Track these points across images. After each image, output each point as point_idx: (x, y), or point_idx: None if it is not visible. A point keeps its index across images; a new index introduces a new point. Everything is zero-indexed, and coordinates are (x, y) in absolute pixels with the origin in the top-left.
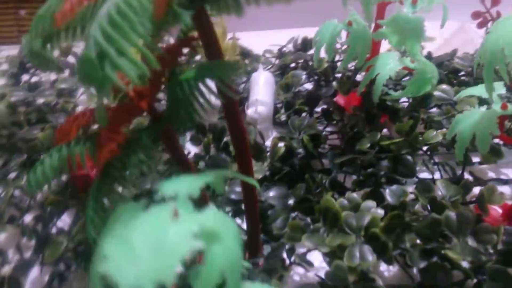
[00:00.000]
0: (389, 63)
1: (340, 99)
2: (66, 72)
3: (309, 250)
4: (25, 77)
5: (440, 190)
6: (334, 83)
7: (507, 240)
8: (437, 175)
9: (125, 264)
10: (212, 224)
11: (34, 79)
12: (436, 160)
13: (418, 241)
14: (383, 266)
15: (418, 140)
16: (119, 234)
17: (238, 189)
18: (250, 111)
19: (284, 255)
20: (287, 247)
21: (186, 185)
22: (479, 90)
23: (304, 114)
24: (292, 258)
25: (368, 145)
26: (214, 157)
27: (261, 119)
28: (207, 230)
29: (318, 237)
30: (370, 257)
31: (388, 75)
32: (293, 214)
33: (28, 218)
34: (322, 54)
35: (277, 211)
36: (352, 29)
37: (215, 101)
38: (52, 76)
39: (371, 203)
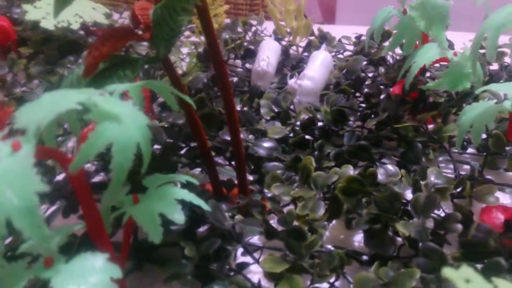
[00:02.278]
0: (428, 52)
1: (395, 88)
2: None
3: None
4: None
5: (431, 177)
6: (382, 69)
7: (475, 235)
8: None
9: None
10: (112, 108)
11: None
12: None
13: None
14: (357, 236)
15: (440, 133)
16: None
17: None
18: (290, 81)
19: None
20: (269, 195)
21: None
22: (500, 87)
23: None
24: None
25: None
26: (245, 112)
27: (303, 92)
28: (105, 110)
29: (286, 188)
30: (320, 211)
31: (423, 64)
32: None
33: None
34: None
35: (272, 166)
36: (402, 16)
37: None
38: None
39: (349, 170)
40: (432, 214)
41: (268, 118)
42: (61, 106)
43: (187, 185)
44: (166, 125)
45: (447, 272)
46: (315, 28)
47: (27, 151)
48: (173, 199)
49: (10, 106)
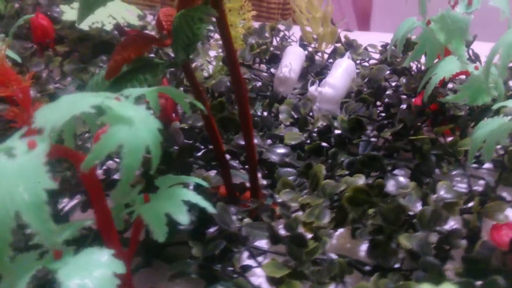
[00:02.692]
0: (448, 65)
1: (417, 100)
2: None
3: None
4: None
5: (441, 191)
6: (403, 80)
7: (479, 251)
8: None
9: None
10: (125, 112)
11: None
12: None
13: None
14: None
15: (455, 146)
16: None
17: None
18: (311, 88)
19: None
20: (279, 200)
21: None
22: None
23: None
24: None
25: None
26: (264, 117)
27: (323, 99)
28: (118, 114)
29: (294, 194)
30: (325, 219)
31: (442, 76)
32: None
33: None
34: None
35: (285, 172)
36: (425, 27)
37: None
38: None
39: (359, 179)
40: (439, 228)
41: (288, 124)
42: (76, 109)
43: (197, 187)
44: (186, 127)
45: None
46: (343, 35)
47: (41, 150)
48: (180, 200)
49: (41, 102)
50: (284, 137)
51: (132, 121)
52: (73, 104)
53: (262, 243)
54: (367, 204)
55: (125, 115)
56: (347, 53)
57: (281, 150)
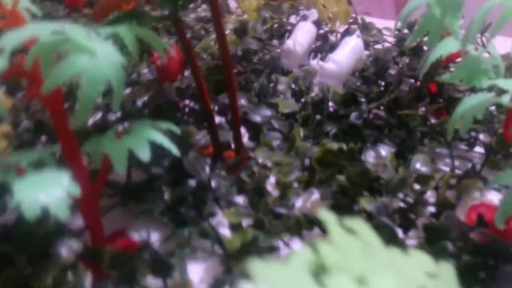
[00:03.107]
0: (448, 44)
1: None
2: None
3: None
4: None
5: (416, 164)
6: (406, 60)
7: (444, 222)
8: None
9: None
10: (88, 43)
11: None
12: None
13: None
14: None
15: (443, 125)
16: None
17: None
18: (313, 62)
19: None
20: (259, 160)
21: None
22: (507, 82)
23: None
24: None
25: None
26: (262, 85)
27: (325, 74)
28: (80, 43)
29: (268, 153)
30: (291, 177)
31: (439, 54)
32: None
33: None
34: None
35: (271, 135)
36: (428, 5)
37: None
38: None
39: (332, 145)
40: (408, 199)
41: (289, 95)
42: (38, 33)
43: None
44: (183, 86)
45: (322, 213)
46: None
47: None
48: (144, 138)
49: None
50: (279, 104)
51: (94, 52)
52: (37, 29)
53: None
54: (336, 167)
55: (87, 45)
56: (357, 32)
57: (266, 113)
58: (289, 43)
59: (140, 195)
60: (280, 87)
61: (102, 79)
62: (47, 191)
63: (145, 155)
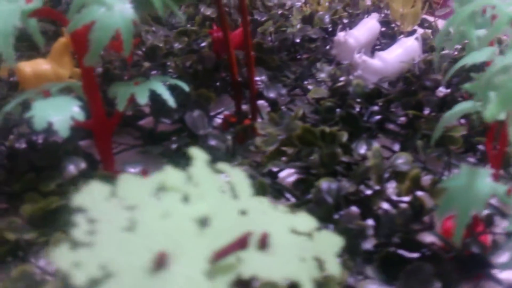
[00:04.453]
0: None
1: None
2: None
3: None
4: None
5: (397, 160)
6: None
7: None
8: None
9: None
10: None
11: None
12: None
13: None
14: None
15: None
16: None
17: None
18: (357, 56)
19: None
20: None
21: None
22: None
23: None
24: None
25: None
26: (304, 70)
27: (367, 69)
28: None
29: (269, 126)
30: (271, 147)
31: (465, 63)
32: None
33: None
34: None
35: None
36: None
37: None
38: None
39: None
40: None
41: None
42: None
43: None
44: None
45: (192, 151)
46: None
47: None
48: (147, 88)
49: None
50: (311, 90)
51: (112, 6)
52: None
53: None
54: (315, 146)
55: (106, 0)
56: (416, 34)
57: (281, 90)
58: (340, 34)
59: (158, 141)
60: (322, 75)
61: (112, 28)
62: (55, 112)
63: (142, 99)
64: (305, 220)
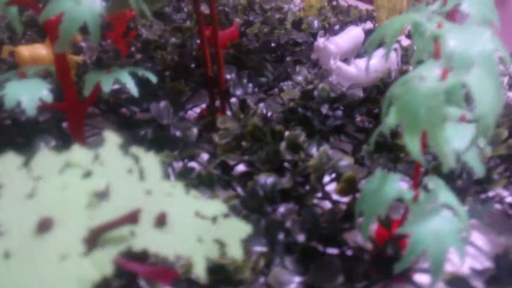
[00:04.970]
0: None
1: None
2: None
3: None
4: None
5: (341, 162)
6: None
7: (322, 213)
8: None
9: None
10: None
11: None
12: None
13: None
14: None
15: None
16: None
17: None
18: (332, 62)
19: None
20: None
21: None
22: None
23: None
24: None
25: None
26: (279, 71)
27: (341, 75)
28: None
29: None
30: (224, 140)
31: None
32: None
33: None
34: None
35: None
36: None
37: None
38: None
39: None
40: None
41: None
42: None
43: None
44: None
45: (105, 134)
46: None
47: None
48: (112, 77)
49: None
50: (284, 91)
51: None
52: None
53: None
54: (263, 142)
55: None
56: (396, 45)
57: (248, 89)
58: (320, 40)
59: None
60: (299, 78)
61: (79, 20)
62: (25, 92)
63: (105, 88)
64: (214, 206)
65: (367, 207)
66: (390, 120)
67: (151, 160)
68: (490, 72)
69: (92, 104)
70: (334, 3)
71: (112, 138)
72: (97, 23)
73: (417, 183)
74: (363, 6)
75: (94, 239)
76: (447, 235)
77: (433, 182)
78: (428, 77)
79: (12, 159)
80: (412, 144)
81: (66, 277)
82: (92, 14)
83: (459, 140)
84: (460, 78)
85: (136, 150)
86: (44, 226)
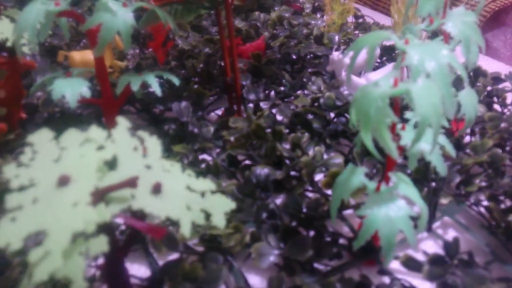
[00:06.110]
0: None
1: None
2: None
3: None
4: None
5: (334, 159)
6: None
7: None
8: None
9: None
10: (114, 7)
11: None
12: None
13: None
14: None
15: None
16: None
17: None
18: (343, 74)
19: None
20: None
21: None
22: None
23: None
24: None
25: None
26: (297, 81)
27: (352, 87)
28: (107, 5)
29: (236, 121)
30: (233, 137)
31: None
32: None
33: None
34: None
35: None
36: None
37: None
38: None
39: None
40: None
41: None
42: None
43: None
44: None
45: (118, 119)
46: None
47: (64, 6)
48: (140, 79)
49: None
50: (297, 98)
51: (116, 13)
52: None
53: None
54: (264, 140)
55: (111, 8)
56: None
57: (260, 95)
58: (334, 54)
59: (158, 124)
60: (313, 87)
61: (114, 29)
62: (69, 88)
63: (134, 87)
64: (204, 184)
65: (336, 193)
66: (351, 118)
67: (154, 142)
68: (442, 83)
69: (126, 101)
70: (361, 20)
71: (123, 123)
72: (129, 33)
73: (386, 177)
74: (388, 23)
75: (100, 195)
76: (398, 219)
77: (396, 176)
78: (383, 84)
79: (45, 133)
80: (366, 138)
81: (76, 219)
82: (125, 25)
83: (424, 142)
84: (406, 86)
85: (142, 133)
86: (63, 181)
